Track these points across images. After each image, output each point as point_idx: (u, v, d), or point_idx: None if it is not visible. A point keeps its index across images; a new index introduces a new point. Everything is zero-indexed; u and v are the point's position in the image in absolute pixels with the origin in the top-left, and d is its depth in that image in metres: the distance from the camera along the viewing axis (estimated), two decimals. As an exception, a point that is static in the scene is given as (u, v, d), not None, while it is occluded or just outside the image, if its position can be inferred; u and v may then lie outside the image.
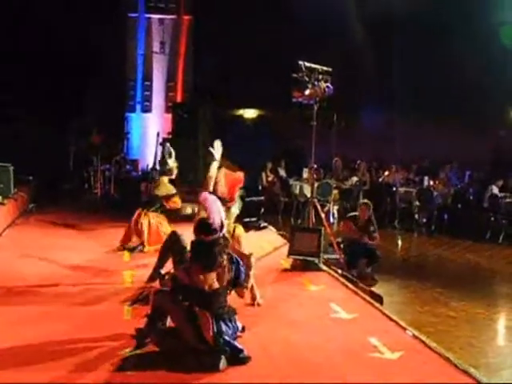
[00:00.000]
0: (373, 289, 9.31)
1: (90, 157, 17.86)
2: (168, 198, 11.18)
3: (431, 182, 19.06)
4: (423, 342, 6.03)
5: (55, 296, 7.71)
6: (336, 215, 19.29)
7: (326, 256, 10.60)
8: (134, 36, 22.03)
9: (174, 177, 11.40)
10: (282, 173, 21.15)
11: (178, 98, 22.21)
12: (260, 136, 21.97)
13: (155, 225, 10.91)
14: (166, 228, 10.86)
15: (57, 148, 18.48)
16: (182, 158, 16.00)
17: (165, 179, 11.29)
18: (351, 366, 5.42)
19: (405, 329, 6.46)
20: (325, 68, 10.88)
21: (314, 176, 20.46)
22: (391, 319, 6.86)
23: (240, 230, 7.89)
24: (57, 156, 18.40)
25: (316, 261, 9.45)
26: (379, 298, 8.99)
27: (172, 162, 11.35)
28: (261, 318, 6.72)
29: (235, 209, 8.01)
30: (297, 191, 18.95)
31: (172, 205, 11.21)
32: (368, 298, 7.91)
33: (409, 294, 10.20)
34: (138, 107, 21.74)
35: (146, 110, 21.79)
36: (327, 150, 21.61)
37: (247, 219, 14.08)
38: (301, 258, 9.51)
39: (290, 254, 9.75)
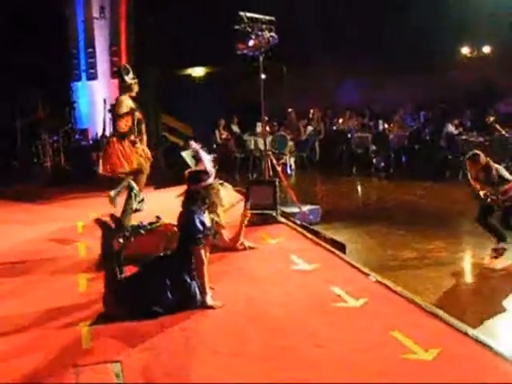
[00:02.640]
0: (334, 237, 9.16)
1: (38, 131, 17.36)
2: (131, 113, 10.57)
3: (386, 126, 18.99)
4: (387, 286, 5.84)
5: (9, 272, 7.49)
6: (293, 167, 19.25)
7: (286, 209, 10.48)
8: (72, 3, 21.33)
9: (134, 94, 10.72)
10: (236, 129, 20.98)
11: (123, 62, 21.64)
12: (210, 94, 21.67)
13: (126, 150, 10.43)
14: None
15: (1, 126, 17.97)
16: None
17: (124, 97, 10.67)
18: (315, 318, 5.22)
19: (367, 275, 6.27)
20: (267, 17, 10.60)
21: (268, 129, 20.43)
22: (353, 266, 6.66)
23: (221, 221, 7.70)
24: (2, 134, 17.89)
25: (273, 213, 9.22)
26: (341, 246, 8.86)
27: (130, 79, 10.83)
28: (220, 276, 6.50)
29: None
30: (252, 146, 18.84)
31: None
32: (329, 246, 7.69)
33: (371, 239, 10.08)
34: (83, 75, 21.14)
35: (92, 77, 21.17)
36: (279, 103, 21.48)
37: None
38: (258, 211, 9.27)
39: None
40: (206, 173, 5.99)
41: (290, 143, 19.36)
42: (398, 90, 20.17)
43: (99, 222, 5.92)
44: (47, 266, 7.60)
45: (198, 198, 5.87)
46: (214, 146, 20.41)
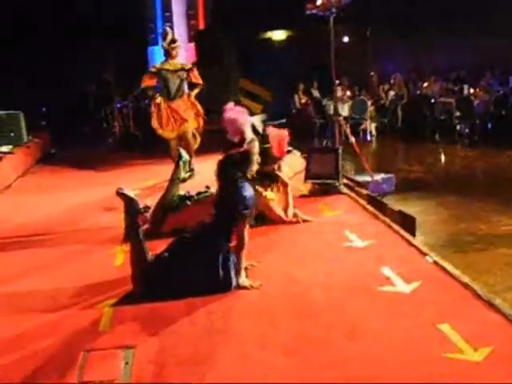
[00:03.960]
0: (403, 209, 8.51)
1: (109, 95, 17.13)
2: (189, 70, 10.61)
3: (471, 90, 18.01)
4: (445, 269, 5.14)
5: (49, 241, 7.24)
6: (374, 132, 18.63)
7: (358, 178, 9.93)
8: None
9: (173, 58, 10.66)
10: (316, 93, 20.31)
11: (201, 26, 21.28)
12: (290, 57, 21.12)
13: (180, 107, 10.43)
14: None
15: (75, 90, 17.94)
16: (209, 88, 15.42)
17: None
18: (356, 304, 4.61)
19: (425, 255, 5.58)
20: (339, -26, 9.85)
21: (349, 93, 19.76)
22: (411, 244, 5.97)
23: (270, 194, 7.16)
24: (76, 98, 17.86)
25: (335, 183, 8.56)
26: (411, 219, 8.25)
27: (166, 44, 10.63)
28: (263, 251, 5.99)
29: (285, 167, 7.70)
30: (331, 111, 18.14)
31: (195, 77, 10.62)
32: (389, 221, 6.99)
33: (446, 211, 9.49)
34: (160, 39, 20.83)
35: (168, 41, 20.90)
36: (363, 66, 20.80)
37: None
38: (319, 181, 8.65)
39: (306, 178, 8.88)
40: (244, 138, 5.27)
41: (371, 108, 18.68)
42: (485, 53, 19.12)
43: (121, 195, 5.41)
44: (89, 236, 7.30)
45: (238, 163, 5.25)
46: (293, 110, 19.90)
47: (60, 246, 7.01)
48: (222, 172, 5.26)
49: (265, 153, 7.18)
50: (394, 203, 8.74)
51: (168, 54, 10.54)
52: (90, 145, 16.04)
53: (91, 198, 9.53)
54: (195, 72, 10.70)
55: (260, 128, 13.68)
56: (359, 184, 9.60)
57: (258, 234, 6.48)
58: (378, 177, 10.20)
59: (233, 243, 5.19)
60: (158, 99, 10.43)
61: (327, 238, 6.48)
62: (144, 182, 10.07)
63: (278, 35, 23.40)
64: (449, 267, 5.13)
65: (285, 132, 7.46)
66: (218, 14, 21.05)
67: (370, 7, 19.54)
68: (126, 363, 3.99)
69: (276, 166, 7.29)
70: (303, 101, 19.99)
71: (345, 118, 17.97)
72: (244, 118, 5.26)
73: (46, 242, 7.22)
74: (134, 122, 16.33)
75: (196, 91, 10.67)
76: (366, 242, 6.15)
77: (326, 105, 18.69)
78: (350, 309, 4.55)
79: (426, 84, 19.85)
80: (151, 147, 13.25)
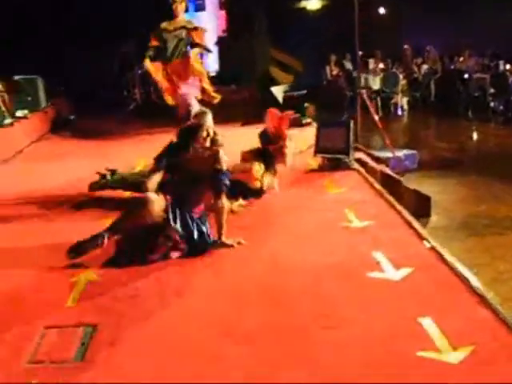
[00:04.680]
0: (419, 188, 8.18)
1: (131, 63, 16.75)
2: (191, 29, 9.78)
3: (507, 67, 17.36)
4: (441, 255, 4.74)
5: (48, 209, 7.04)
6: (405, 107, 18.19)
7: (379, 154, 9.61)
8: None
9: (177, 16, 9.67)
10: (349, 65, 19.78)
11: (233, -8, 20.84)
12: (324, 28, 20.60)
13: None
14: None
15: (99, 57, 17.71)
16: (240, 57, 15.10)
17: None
18: (339, 291, 4.26)
19: (423, 239, 5.18)
20: None
21: (381, 66, 19.26)
22: (412, 227, 5.57)
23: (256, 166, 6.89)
24: (99, 66, 17.67)
25: (346, 159, 8.13)
26: (426, 199, 7.94)
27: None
28: (256, 230, 5.67)
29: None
30: (362, 83, 17.73)
31: (199, 37, 10.01)
32: (392, 199, 6.57)
33: (467, 191, 9.10)
34: (191, 6, 20.44)
35: (200, 8, 20.52)
36: (398, 39, 20.27)
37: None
38: (329, 156, 8.25)
39: (316, 152, 8.48)
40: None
41: (403, 82, 18.19)
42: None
43: None
44: (87, 206, 7.03)
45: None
46: (324, 82, 19.48)
47: (56, 214, 6.80)
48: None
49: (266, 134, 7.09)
50: (413, 181, 8.45)
51: (173, 12, 9.88)
52: (109, 112, 15.79)
53: (101, 166, 9.23)
54: (200, 32, 10.01)
55: (280, 98, 13.35)
56: (379, 160, 9.26)
57: (256, 210, 6.23)
58: (400, 153, 9.87)
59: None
60: (145, 66, 9.80)
61: (325, 216, 6.10)
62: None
63: (313, 4, 22.81)
64: (445, 254, 4.74)
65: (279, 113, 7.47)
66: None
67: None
68: (83, 344, 3.76)
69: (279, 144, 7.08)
70: (334, 72, 19.56)
71: (376, 92, 17.65)
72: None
73: (43, 210, 7.00)
74: (154, 88, 16.03)
75: (197, 50, 9.94)
76: (364, 222, 5.77)
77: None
78: (330, 296, 4.21)
79: (461, 59, 19.26)
80: (172, 114, 13.02)
